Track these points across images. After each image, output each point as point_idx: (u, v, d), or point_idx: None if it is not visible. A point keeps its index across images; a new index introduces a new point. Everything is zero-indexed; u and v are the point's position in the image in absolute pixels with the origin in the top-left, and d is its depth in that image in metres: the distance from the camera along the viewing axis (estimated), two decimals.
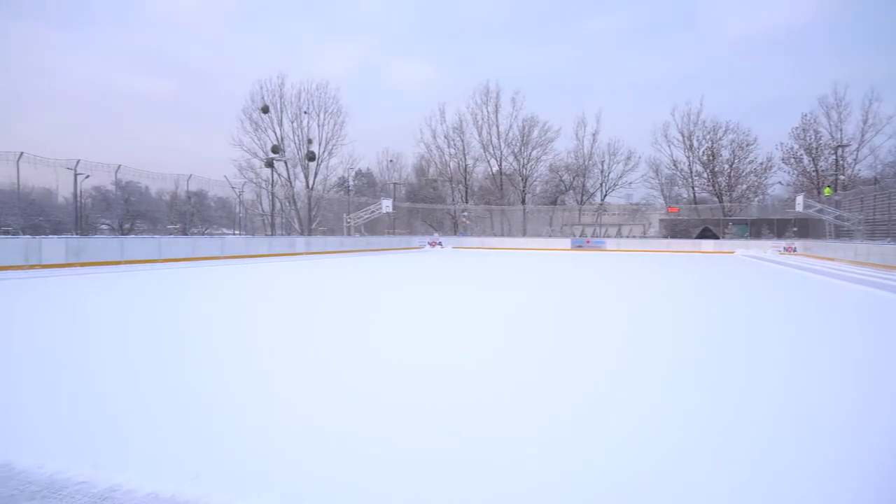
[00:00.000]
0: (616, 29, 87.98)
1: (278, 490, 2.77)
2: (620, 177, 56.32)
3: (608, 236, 47.71)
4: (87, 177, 27.29)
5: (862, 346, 6.76)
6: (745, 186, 52.69)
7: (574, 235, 47.87)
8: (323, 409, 4.09)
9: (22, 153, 21.23)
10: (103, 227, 36.58)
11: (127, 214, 38.62)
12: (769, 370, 5.41)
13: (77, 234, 23.94)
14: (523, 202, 56.83)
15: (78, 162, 23.26)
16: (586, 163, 56.62)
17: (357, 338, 6.97)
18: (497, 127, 58.15)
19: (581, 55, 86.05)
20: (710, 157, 53.26)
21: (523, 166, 58.19)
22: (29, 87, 73.87)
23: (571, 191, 58.19)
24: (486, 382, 4.86)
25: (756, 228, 45.16)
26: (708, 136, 53.19)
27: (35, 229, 29.32)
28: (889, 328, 8.20)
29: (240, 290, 13.04)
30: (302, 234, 44.81)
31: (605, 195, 56.90)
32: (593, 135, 56.31)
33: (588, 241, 44.56)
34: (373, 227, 47.96)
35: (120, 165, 24.60)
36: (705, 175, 53.87)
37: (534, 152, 57.89)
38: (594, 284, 15.27)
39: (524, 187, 58.24)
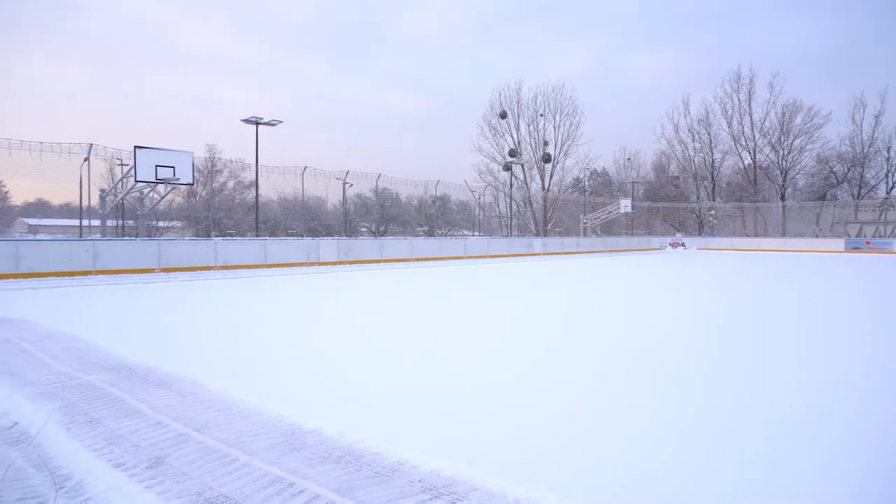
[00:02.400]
0: None
1: (546, 482, 2.77)
2: None
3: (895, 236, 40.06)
4: (351, 185, 31.03)
5: None
6: None
7: (849, 235, 41.14)
8: (589, 406, 4.04)
9: (306, 167, 24.96)
10: (363, 229, 41.19)
11: (382, 218, 43.01)
12: None
13: (345, 236, 27.31)
14: (782, 198, 50.49)
15: (347, 173, 26.58)
16: (866, 150, 48.40)
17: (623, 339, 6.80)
18: (750, 116, 52.69)
19: (855, 24, 73.81)
20: None
21: (783, 158, 51.74)
22: (310, 109, 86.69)
23: (845, 183, 50.12)
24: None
25: None
26: None
27: (312, 232, 34.19)
28: None
29: (488, 286, 13.65)
30: (537, 234, 45.46)
31: (893, 187, 47.95)
32: (875, 117, 48.05)
33: (868, 242, 37.90)
34: (609, 228, 46.75)
35: (380, 174, 27.53)
36: None
37: (796, 141, 51.17)
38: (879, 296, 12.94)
39: (783, 181, 51.72)
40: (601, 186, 59.86)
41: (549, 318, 8.68)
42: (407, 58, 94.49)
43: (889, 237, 39.26)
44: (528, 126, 53.43)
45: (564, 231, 47.49)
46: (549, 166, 52.94)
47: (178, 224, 35.41)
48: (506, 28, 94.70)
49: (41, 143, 18.16)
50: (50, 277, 14.25)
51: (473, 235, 38.75)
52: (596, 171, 61.21)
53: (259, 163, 24.18)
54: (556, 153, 52.96)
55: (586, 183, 57.83)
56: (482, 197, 42.35)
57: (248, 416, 3.81)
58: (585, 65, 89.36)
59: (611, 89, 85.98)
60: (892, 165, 47.85)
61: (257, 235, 24.87)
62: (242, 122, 24.31)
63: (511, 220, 43.92)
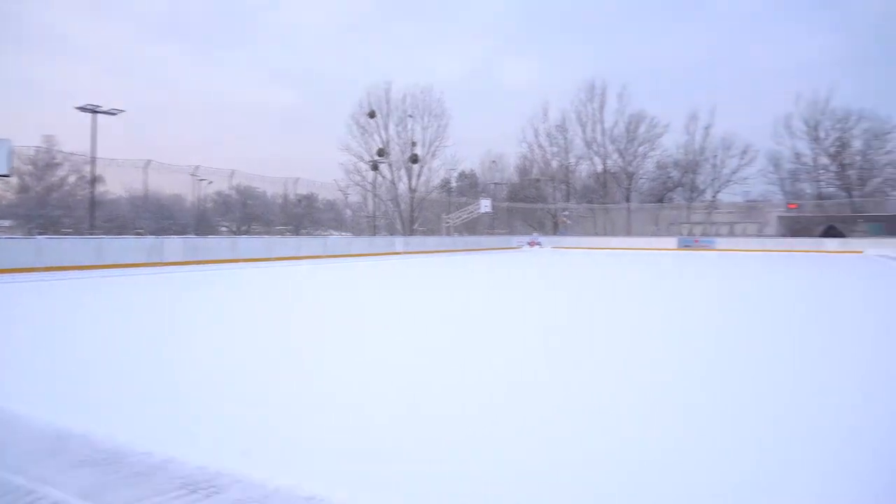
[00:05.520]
0: (735, 14, 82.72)
1: (307, 472, 2.88)
2: (734, 172, 53.21)
3: (719, 235, 45.06)
4: (211, 182, 29.52)
5: None
6: (880, 180, 47.95)
7: (681, 234, 45.63)
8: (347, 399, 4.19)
9: (149, 161, 23.36)
10: (222, 229, 39.31)
11: (244, 217, 41.28)
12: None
13: (196, 234, 25.93)
14: (628, 200, 54.96)
15: (197, 167, 25.25)
16: (697, 158, 53.93)
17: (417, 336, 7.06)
18: (602, 124, 56.80)
19: (696, 46, 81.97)
20: (839, 149, 48.89)
21: (629, 163, 56.35)
22: (163, 101, 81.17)
23: (680, 188, 55.59)
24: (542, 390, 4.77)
25: (892, 226, 40.88)
26: (837, 126, 48.92)
27: (163, 231, 32.09)
28: None
29: (322, 287, 13.61)
30: (404, 234, 45.90)
31: (717, 192, 53.91)
32: (706, 129, 53.67)
33: (697, 241, 42.32)
34: (473, 228, 48.22)
35: (234, 170, 26.45)
36: (832, 168, 49.55)
37: (640, 148, 55.98)
38: (694, 286, 14.53)
39: (629, 185, 56.33)
40: (468, 188, 61.54)
41: (351, 319, 8.85)
42: (275, 52, 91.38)
43: (713, 236, 44.07)
44: (397, 126, 53.80)
45: (430, 230, 48.31)
46: (416, 167, 53.65)
47: (5, 223, 31.70)
48: (380, 28, 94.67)
49: None
50: None
51: (339, 235, 38.34)
52: (464, 172, 62.92)
53: (100, 156, 22.36)
54: (424, 154, 53.79)
55: (453, 184, 59.26)
56: (349, 196, 42.09)
57: (9, 422, 3.58)
58: (457, 69, 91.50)
59: (482, 94, 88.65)
60: (717, 172, 53.70)
61: (93, 234, 22.93)
62: (78, 110, 22.34)
63: (378, 220, 44.02)
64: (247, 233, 39.41)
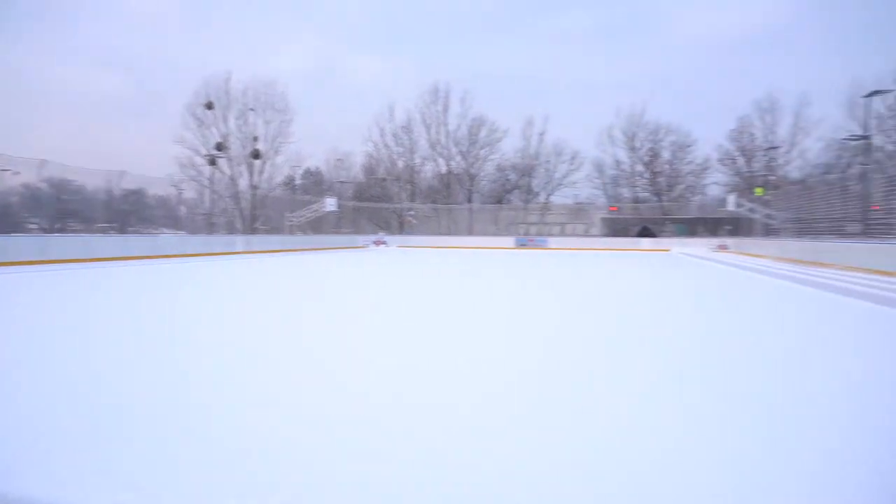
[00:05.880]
0: (570, 31, 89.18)
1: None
2: (565, 176, 57.66)
3: (551, 235, 48.62)
4: (18, 173, 26.08)
5: (761, 337, 7.13)
6: (683, 186, 54.71)
7: (518, 234, 48.56)
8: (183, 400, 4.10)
9: None
10: (31, 226, 35.00)
11: (58, 213, 37.05)
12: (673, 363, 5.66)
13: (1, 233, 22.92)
14: (469, 201, 57.29)
15: None
16: (532, 162, 57.58)
17: (262, 335, 6.96)
18: (446, 126, 58.60)
19: (533, 57, 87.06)
20: (652, 158, 55.00)
21: (471, 165, 58.74)
22: None
23: (517, 190, 59.02)
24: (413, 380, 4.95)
25: (693, 227, 46.81)
26: (650, 138, 55.03)
27: None
28: (796, 320, 8.68)
29: (149, 290, 12.78)
30: (244, 233, 43.99)
31: (550, 194, 58.04)
32: (540, 135, 57.44)
33: (531, 240, 45.27)
34: (319, 226, 47.47)
35: (44, 160, 23.71)
36: (646, 175, 55.58)
37: (481, 152, 58.57)
38: (528, 281, 15.60)
39: (471, 186, 58.78)
40: (313, 186, 60.44)
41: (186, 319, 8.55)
42: (99, 31, 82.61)
43: (546, 236, 47.44)
44: (237, 120, 51.64)
45: (272, 229, 46.76)
46: (258, 163, 51.77)
47: None
48: (219, 15, 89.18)
49: None
50: None
51: (172, 233, 35.82)
52: (310, 170, 61.69)
53: None
54: (266, 150, 52.08)
55: (298, 181, 57.92)
56: (183, 192, 39.53)
57: None
58: (301, 64, 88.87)
59: (326, 91, 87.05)
60: (550, 176, 57.88)
61: None
62: None
63: (216, 218, 41.77)
64: (62, 231, 35.45)
